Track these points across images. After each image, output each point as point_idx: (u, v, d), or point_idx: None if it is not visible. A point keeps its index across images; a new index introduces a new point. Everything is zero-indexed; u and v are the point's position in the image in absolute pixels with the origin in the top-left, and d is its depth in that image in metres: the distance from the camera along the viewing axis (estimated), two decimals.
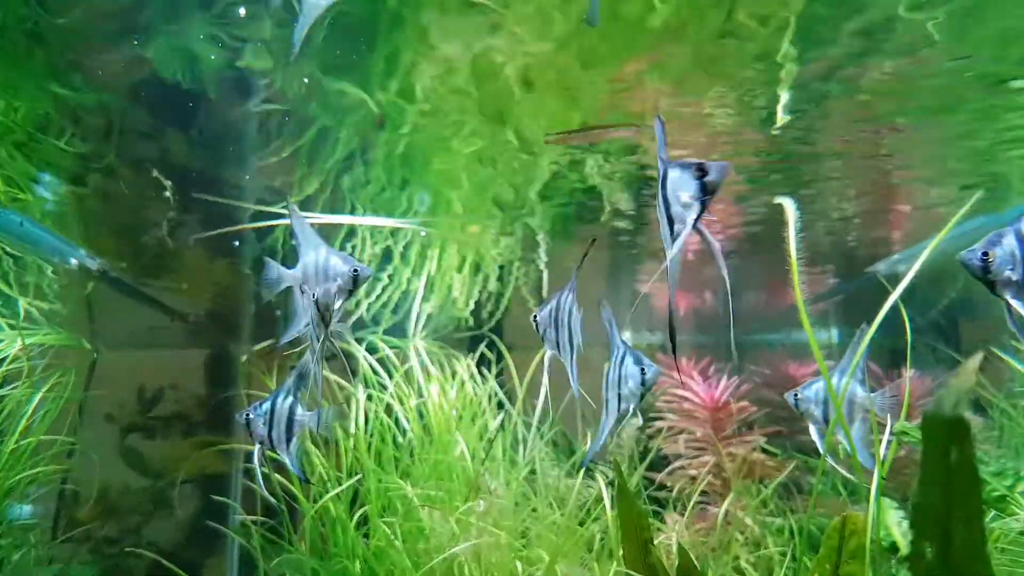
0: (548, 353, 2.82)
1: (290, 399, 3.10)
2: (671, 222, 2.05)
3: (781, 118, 4.58)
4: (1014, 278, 2.19)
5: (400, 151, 5.45)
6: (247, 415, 3.11)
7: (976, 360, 1.71)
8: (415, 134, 5.23)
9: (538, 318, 2.82)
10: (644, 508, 3.42)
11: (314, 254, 2.77)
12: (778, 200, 3.24)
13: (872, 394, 2.95)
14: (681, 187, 2.03)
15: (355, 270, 2.74)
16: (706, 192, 2.02)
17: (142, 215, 5.97)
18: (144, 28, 4.18)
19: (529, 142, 5.38)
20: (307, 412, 3.13)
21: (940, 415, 1.67)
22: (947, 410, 1.66)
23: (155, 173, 4.54)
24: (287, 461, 3.12)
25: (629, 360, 2.81)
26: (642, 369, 2.78)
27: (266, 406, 3.09)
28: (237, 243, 6.32)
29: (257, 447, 3.13)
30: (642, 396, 2.82)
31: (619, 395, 2.80)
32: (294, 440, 3.11)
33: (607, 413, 2.84)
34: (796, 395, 3.13)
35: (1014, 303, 2.19)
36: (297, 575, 5.22)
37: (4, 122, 4.70)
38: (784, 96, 4.39)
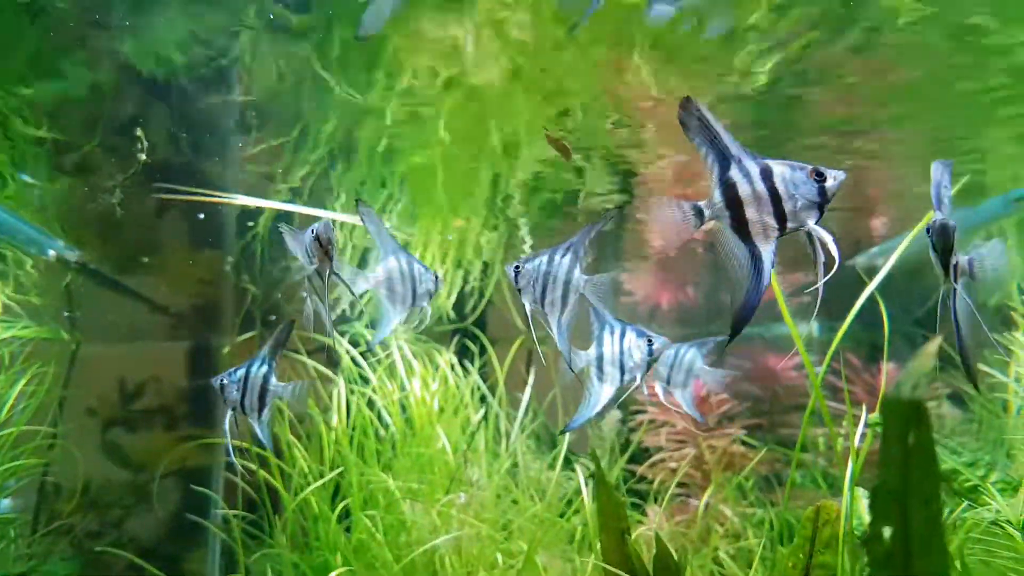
0: (528, 308, 2.72)
1: (265, 368, 3.06)
2: (782, 219, 2.06)
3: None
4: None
5: (382, 146, 5.45)
6: (221, 380, 3.08)
7: (935, 344, 1.73)
8: (397, 129, 5.24)
9: (522, 269, 2.70)
10: (623, 499, 3.44)
11: (396, 259, 2.92)
12: None
13: (707, 367, 3.33)
14: (799, 188, 2.05)
15: (437, 276, 2.96)
16: (825, 198, 2.05)
17: (122, 206, 5.93)
18: (125, 19, 4.17)
19: (513, 141, 5.40)
20: (281, 383, 3.09)
21: (898, 399, 1.69)
22: (905, 394, 1.68)
23: (138, 132, 4.46)
24: (256, 430, 3.08)
25: (632, 334, 2.83)
26: (648, 340, 2.80)
27: (240, 373, 3.06)
28: (202, 215, 6.24)
29: (229, 413, 3.08)
30: (649, 366, 2.86)
31: (622, 367, 2.81)
32: (266, 410, 3.07)
33: (603, 385, 2.83)
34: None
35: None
36: (279, 569, 5.20)
37: None
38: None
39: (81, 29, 4.26)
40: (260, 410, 3.07)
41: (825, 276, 2.07)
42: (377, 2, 3.13)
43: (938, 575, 1.74)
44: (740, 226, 2.05)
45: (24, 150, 5.14)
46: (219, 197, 5.01)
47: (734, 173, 2.05)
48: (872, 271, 3.66)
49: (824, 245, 2.05)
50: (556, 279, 2.67)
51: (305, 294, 2.90)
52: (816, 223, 2.05)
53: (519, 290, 2.73)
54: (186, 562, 7.20)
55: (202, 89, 4.81)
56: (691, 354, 3.35)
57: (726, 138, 2.06)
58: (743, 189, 2.04)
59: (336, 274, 2.70)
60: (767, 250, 2.06)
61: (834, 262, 2.04)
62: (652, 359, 2.84)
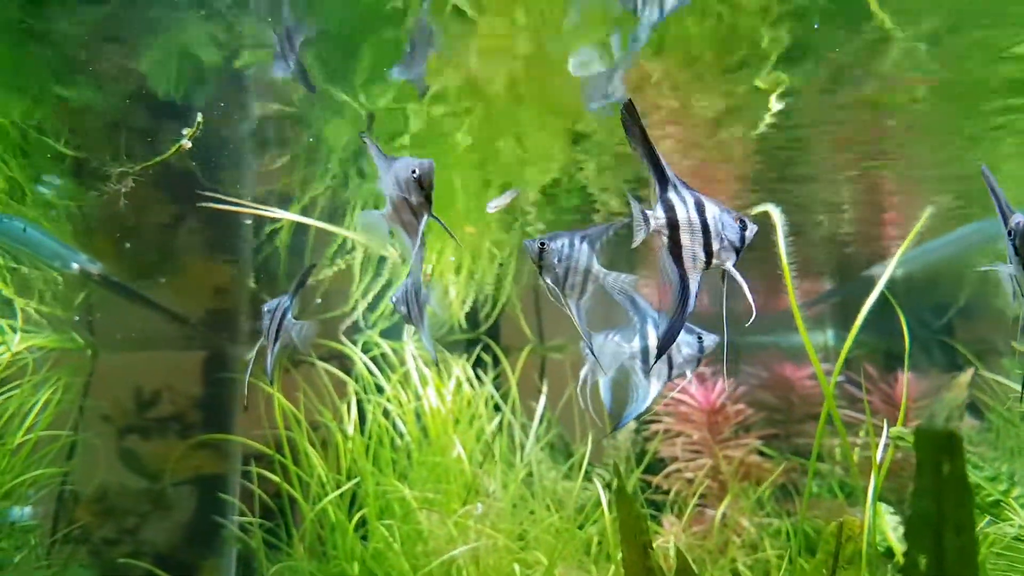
0: (549, 286, 2.66)
1: (287, 303, 3.24)
2: (709, 253, 2.11)
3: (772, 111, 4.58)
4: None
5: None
6: (265, 307, 3.29)
7: (968, 375, 1.74)
8: (411, 138, 5.27)
9: (547, 247, 2.62)
10: (644, 511, 3.43)
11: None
12: (762, 209, 3.27)
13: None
14: (726, 229, 2.11)
15: (701, 337, 2.80)
16: (743, 245, 2.12)
17: (142, 218, 5.98)
18: (141, 33, 4.22)
19: (528, 148, 5.42)
20: (294, 320, 3.26)
21: (933, 429, 1.70)
22: (940, 423, 1.69)
23: (199, 117, 4.26)
24: (268, 356, 3.28)
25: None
26: (699, 336, 2.79)
27: (274, 304, 3.26)
28: (219, 227, 6.27)
29: (261, 341, 3.30)
30: (698, 363, 2.83)
31: (671, 362, 2.79)
32: (278, 344, 3.25)
33: (651, 379, 2.80)
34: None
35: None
36: None
37: (3, 124, 4.71)
38: (774, 102, 4.43)
39: (95, 45, 4.30)
40: (274, 342, 3.27)
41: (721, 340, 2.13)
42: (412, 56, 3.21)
43: None
44: (675, 248, 2.10)
45: (42, 164, 5.20)
46: (254, 208, 5.02)
47: (672, 196, 2.10)
48: (889, 282, 3.67)
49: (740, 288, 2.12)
50: (578, 264, 2.63)
51: (389, 218, 2.69)
52: (732, 266, 2.12)
53: (540, 268, 2.66)
54: (202, 570, 7.25)
55: (215, 105, 4.85)
56: (617, 340, 3.27)
57: (662, 160, 2.11)
58: (680, 214, 2.09)
59: (436, 217, 2.56)
60: (694, 279, 2.12)
61: (751, 310, 2.11)
62: (702, 356, 2.81)
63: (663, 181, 2.12)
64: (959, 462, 1.67)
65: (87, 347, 6.74)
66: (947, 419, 1.64)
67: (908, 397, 4.71)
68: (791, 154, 5.31)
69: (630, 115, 2.05)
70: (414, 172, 2.50)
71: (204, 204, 4.57)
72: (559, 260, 2.63)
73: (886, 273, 3.39)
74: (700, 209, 2.09)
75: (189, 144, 3.51)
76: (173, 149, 3.53)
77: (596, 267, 2.65)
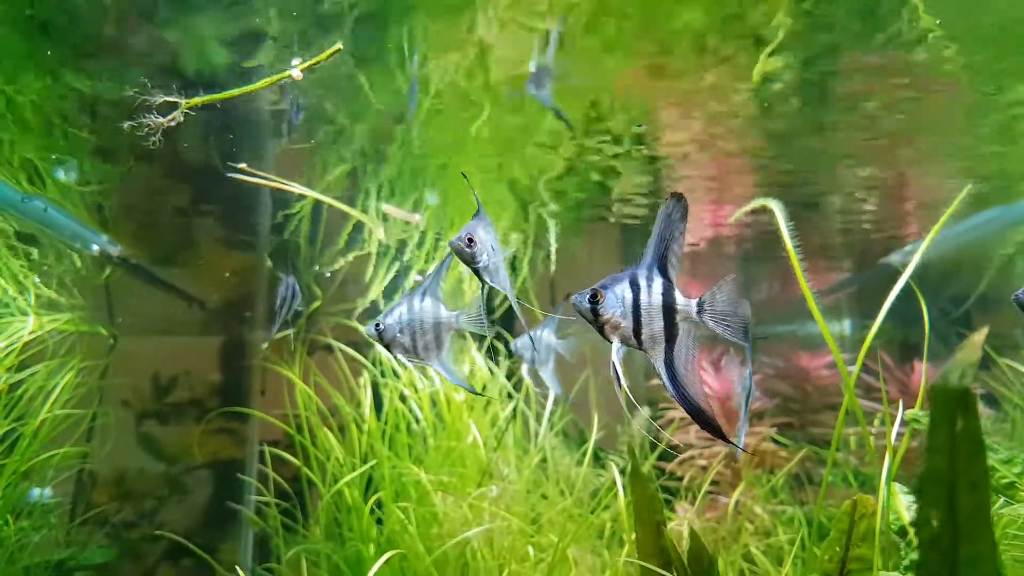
0: (403, 359, 2.68)
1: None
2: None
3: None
4: None
5: (415, 145, 5.51)
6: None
7: (982, 334, 1.76)
8: (429, 125, 5.29)
9: (383, 325, 2.62)
10: (657, 492, 3.46)
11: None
12: (760, 203, 3.26)
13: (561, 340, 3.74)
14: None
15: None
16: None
17: (160, 201, 6.04)
18: (164, 16, 4.25)
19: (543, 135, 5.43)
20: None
21: (947, 385, 1.72)
22: (954, 381, 1.70)
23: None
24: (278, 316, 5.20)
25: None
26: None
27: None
28: (238, 211, 6.35)
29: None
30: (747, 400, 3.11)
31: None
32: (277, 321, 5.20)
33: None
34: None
35: None
36: (313, 560, 5.28)
37: (23, 102, 4.77)
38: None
39: (121, 27, 4.34)
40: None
41: None
42: None
43: (985, 559, 1.76)
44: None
45: (63, 146, 5.25)
46: (279, 183, 5.03)
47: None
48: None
49: None
50: (423, 324, 2.61)
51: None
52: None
53: (387, 346, 2.66)
54: (219, 552, 7.31)
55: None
56: (547, 333, 3.66)
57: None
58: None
59: (487, 283, 2.53)
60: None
61: None
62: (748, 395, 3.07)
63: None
64: (973, 419, 1.68)
65: (106, 331, 6.81)
66: (961, 376, 1.65)
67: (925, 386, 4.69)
68: (807, 137, 5.30)
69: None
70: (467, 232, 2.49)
71: (232, 175, 4.64)
72: (401, 331, 2.62)
73: (911, 265, 3.36)
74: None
75: (301, 75, 3.36)
76: (281, 75, 3.33)
77: (445, 315, 2.62)
